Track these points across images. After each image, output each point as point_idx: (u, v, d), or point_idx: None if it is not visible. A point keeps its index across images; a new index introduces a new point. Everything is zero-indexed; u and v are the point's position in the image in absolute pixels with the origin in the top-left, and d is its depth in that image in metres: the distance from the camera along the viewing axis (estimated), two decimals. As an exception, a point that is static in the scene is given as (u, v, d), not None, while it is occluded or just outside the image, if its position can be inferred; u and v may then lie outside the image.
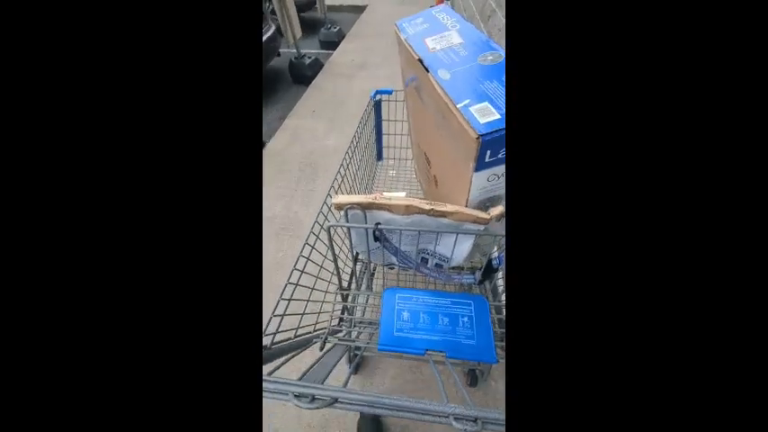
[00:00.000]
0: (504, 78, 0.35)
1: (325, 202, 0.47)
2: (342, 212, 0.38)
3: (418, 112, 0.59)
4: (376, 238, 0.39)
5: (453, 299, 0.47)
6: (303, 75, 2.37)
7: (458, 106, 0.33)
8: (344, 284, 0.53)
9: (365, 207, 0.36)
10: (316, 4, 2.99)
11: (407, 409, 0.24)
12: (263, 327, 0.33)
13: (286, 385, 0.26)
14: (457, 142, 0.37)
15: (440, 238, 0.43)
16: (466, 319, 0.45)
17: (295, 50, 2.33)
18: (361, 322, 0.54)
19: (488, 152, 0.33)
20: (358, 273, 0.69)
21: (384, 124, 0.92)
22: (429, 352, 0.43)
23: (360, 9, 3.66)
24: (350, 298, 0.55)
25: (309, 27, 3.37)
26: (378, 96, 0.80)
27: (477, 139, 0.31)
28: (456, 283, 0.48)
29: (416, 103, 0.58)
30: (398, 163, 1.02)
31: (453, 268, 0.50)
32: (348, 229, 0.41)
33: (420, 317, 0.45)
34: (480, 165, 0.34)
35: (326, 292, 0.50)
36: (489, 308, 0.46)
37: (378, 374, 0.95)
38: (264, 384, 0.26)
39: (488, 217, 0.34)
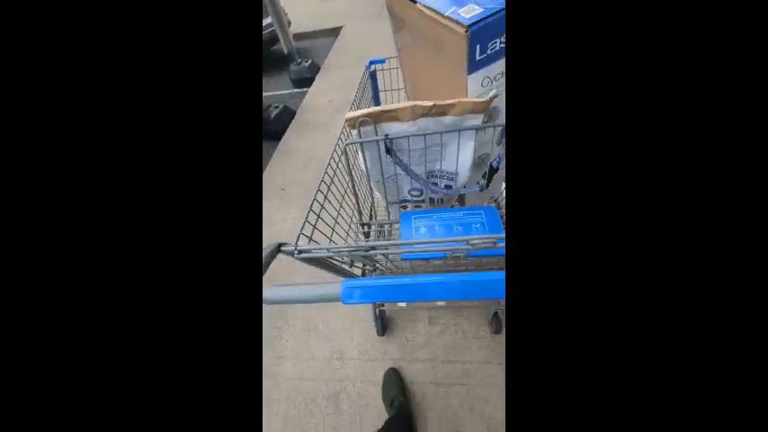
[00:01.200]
0: (483, -10, 0.40)
1: (337, 143, 0.52)
2: (355, 131, 0.43)
3: (414, 66, 0.64)
4: (387, 151, 0.43)
5: (465, 211, 0.51)
6: (269, 131, 1.89)
7: (446, 14, 0.38)
8: (365, 219, 0.58)
9: (375, 118, 0.41)
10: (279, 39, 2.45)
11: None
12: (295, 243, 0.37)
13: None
14: (450, 56, 0.41)
15: (444, 152, 0.47)
16: (478, 225, 0.48)
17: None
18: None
19: (478, 47, 0.37)
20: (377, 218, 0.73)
21: (381, 95, 0.98)
22: (450, 255, 0.46)
23: (334, 32, 3.22)
24: (371, 234, 0.59)
25: (278, 63, 2.80)
26: (372, 66, 0.86)
27: (466, 31, 0.35)
28: (465, 192, 0.51)
29: (411, 59, 0.63)
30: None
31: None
32: (362, 149, 0.45)
33: (435, 229, 0.49)
34: (472, 65, 0.39)
35: (348, 231, 0.55)
36: (498, 214, 0.49)
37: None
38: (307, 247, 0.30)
39: (485, 100, 0.38)
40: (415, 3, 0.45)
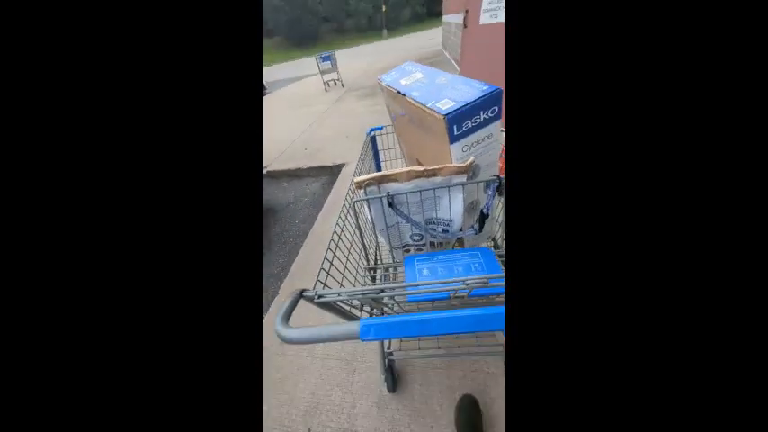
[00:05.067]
0: (455, 89, 0.54)
1: (346, 199, 0.62)
2: (362, 191, 0.52)
3: (406, 130, 0.79)
4: (390, 205, 0.52)
5: (463, 252, 0.56)
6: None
7: (427, 105, 0.51)
8: (371, 263, 0.63)
9: (378, 180, 0.51)
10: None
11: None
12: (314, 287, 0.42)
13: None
14: (434, 132, 0.54)
15: (438, 203, 0.55)
16: (476, 265, 0.53)
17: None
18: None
19: (455, 127, 0.49)
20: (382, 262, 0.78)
21: (381, 153, 1.13)
22: (453, 295, 0.50)
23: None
24: (377, 277, 0.64)
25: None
26: (372, 133, 1.03)
27: (444, 118, 0.47)
28: (462, 236, 0.58)
29: (404, 125, 0.78)
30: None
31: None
32: (368, 204, 0.54)
33: (438, 271, 0.54)
34: (452, 138, 0.50)
35: (356, 276, 0.60)
36: (494, 254, 0.55)
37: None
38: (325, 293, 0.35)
39: (465, 164, 0.48)
40: (404, 96, 0.60)
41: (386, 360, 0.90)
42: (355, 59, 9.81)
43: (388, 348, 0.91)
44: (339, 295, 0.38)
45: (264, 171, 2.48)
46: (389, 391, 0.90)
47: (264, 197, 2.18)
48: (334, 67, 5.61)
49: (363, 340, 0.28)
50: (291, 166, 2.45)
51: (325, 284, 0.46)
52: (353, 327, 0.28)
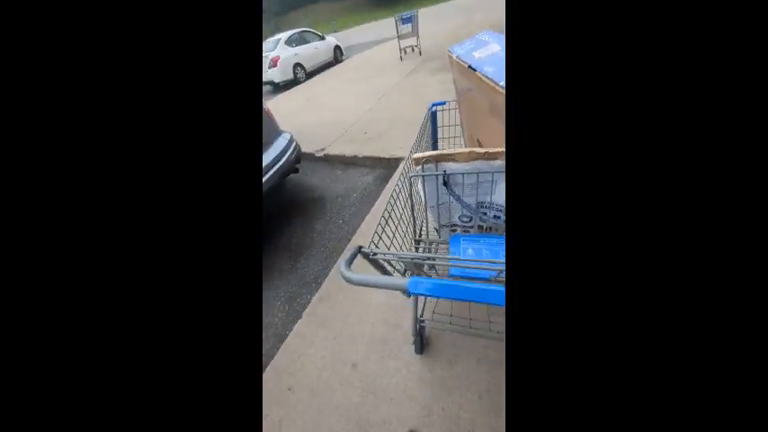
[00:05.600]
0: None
1: (402, 172, 0.66)
2: (419, 167, 0.55)
3: (471, 108, 0.76)
4: (444, 183, 0.54)
5: (511, 239, 0.56)
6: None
7: (501, 84, 0.49)
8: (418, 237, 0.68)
9: (436, 159, 0.53)
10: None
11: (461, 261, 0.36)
12: (368, 246, 0.48)
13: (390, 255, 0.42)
14: (501, 113, 0.51)
15: (495, 187, 0.55)
16: (524, 252, 0.53)
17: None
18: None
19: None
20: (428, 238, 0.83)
21: (439, 130, 1.11)
22: (493, 277, 0.52)
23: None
24: (420, 250, 0.69)
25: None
26: (434, 108, 1.01)
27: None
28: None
29: (469, 102, 0.75)
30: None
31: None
32: (423, 180, 0.57)
33: (483, 252, 0.56)
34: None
35: (402, 245, 0.65)
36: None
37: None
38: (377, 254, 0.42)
39: None
40: (475, 71, 0.58)
41: (417, 325, 0.98)
42: (441, 20, 8.15)
43: (421, 316, 0.99)
44: (393, 256, 0.44)
45: (321, 153, 2.49)
46: (417, 353, 1.00)
47: (316, 183, 2.19)
48: (415, 31, 4.99)
49: (410, 294, 0.34)
50: (348, 151, 2.36)
51: (377, 245, 0.53)
52: (403, 282, 0.34)
